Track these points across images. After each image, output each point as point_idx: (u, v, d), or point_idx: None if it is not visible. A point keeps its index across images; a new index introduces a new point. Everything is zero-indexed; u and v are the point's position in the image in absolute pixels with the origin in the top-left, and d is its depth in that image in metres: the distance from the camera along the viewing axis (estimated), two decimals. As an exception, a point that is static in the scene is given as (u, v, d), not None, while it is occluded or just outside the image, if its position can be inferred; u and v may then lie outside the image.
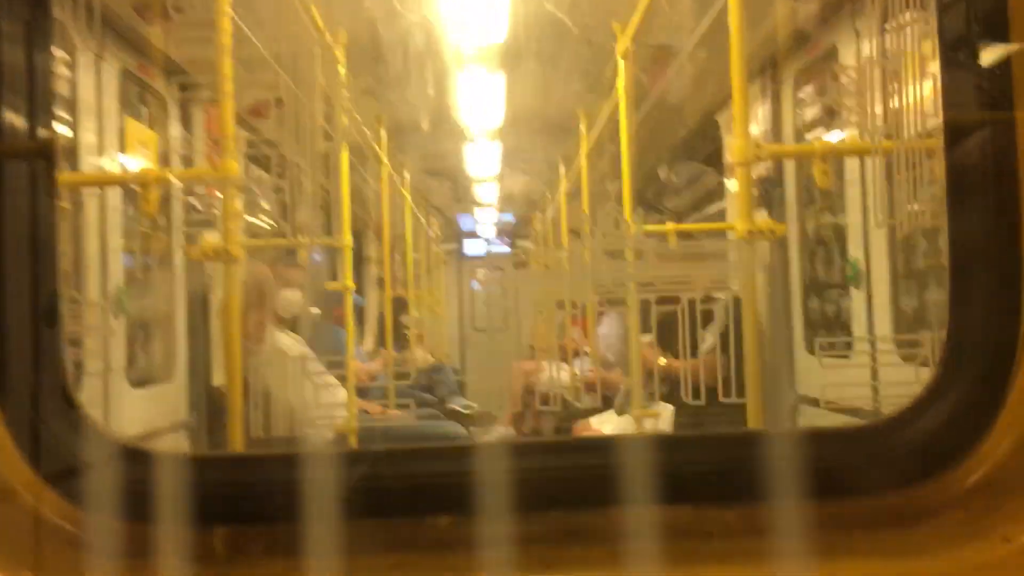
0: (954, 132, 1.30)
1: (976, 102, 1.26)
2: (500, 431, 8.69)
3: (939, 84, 1.32)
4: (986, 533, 1.30)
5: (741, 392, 3.22)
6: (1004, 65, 1.20)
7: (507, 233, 14.06)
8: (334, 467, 1.46)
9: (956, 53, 1.27)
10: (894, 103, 3.22)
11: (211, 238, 3.03)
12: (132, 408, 4.23)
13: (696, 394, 4.69)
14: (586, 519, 1.34)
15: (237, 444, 2.74)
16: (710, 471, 1.35)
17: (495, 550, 1.32)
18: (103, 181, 3.74)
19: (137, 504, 1.36)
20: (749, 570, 1.32)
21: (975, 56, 1.24)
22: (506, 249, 14.00)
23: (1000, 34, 1.21)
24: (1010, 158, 1.20)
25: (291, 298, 5.50)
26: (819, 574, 1.29)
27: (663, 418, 5.04)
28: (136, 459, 1.46)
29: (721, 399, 4.56)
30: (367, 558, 1.36)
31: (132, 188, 3.26)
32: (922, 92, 2.92)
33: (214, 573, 1.36)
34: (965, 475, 1.31)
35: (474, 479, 1.36)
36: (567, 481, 1.37)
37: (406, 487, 1.42)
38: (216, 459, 1.69)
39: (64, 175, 3.67)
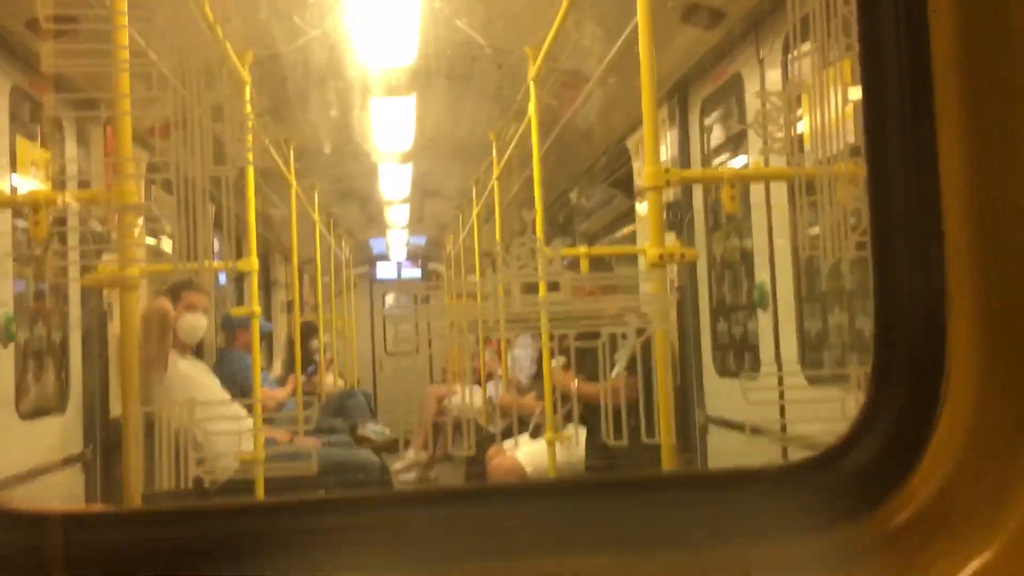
0: (875, 155, 1.29)
1: (895, 125, 1.26)
2: (411, 456, 8.59)
3: (855, 107, 1.33)
4: (916, 575, 1.28)
5: (651, 413, 3.23)
6: (925, 83, 1.20)
7: (419, 256, 13.99)
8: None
9: (876, 76, 1.27)
10: (796, 130, 3.30)
11: (109, 263, 2.90)
12: (22, 441, 4.03)
13: (608, 417, 4.71)
14: (496, 570, 1.27)
15: (132, 480, 2.61)
16: (628, 516, 1.30)
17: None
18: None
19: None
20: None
21: (896, 76, 1.24)
22: (418, 272, 13.91)
23: (921, 54, 1.21)
24: (932, 181, 1.20)
25: (195, 323, 5.33)
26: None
27: (577, 441, 5.04)
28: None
29: (634, 430, 4.60)
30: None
31: (23, 210, 3.10)
32: (824, 118, 2.99)
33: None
34: (892, 514, 1.28)
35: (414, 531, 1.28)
36: (474, 530, 1.30)
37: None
38: (68, 516, 1.53)
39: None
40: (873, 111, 1.28)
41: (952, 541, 1.25)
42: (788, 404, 4.09)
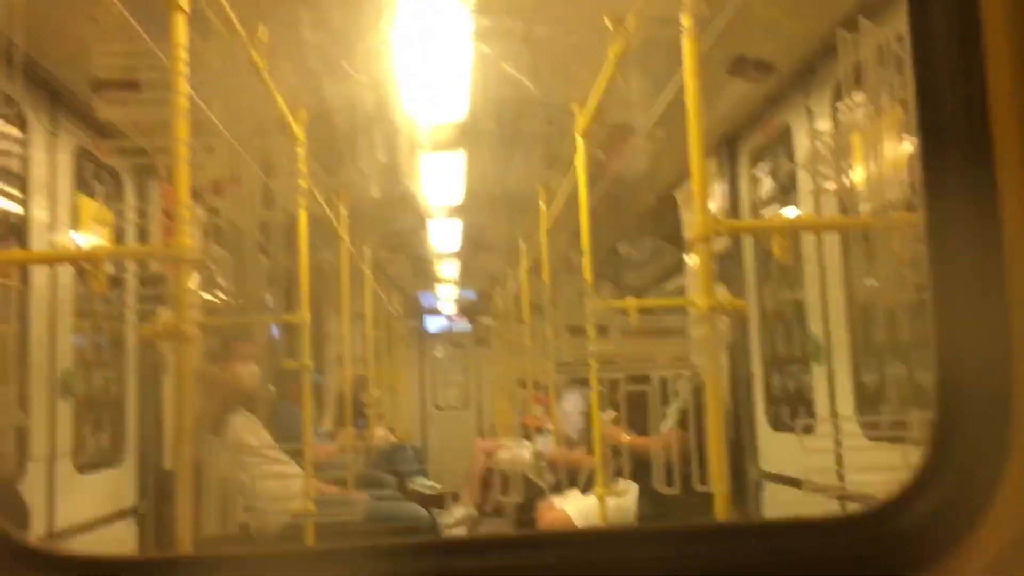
0: (933, 202, 1.27)
1: (954, 172, 1.23)
2: (462, 512, 8.53)
3: (913, 157, 1.31)
4: None
5: (705, 468, 3.17)
6: (984, 135, 1.18)
7: (468, 309, 14.04)
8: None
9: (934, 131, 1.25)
10: (848, 180, 3.27)
11: (165, 316, 2.95)
12: (79, 493, 4.08)
13: (661, 472, 4.64)
14: None
15: (184, 532, 2.63)
16: (680, 566, 1.27)
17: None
18: (51, 259, 3.65)
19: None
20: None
21: (952, 120, 1.22)
22: (467, 326, 13.95)
23: (978, 97, 1.19)
24: (993, 231, 1.17)
25: (248, 374, 5.39)
26: None
27: (628, 497, 4.97)
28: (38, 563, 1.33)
29: (687, 478, 4.52)
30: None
31: (83, 265, 3.19)
32: (877, 169, 2.96)
33: None
34: (957, 570, 1.23)
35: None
36: None
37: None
38: (123, 562, 1.55)
39: (13, 253, 3.59)
40: (930, 157, 1.26)
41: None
42: (846, 459, 4.00)
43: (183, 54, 2.84)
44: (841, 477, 3.68)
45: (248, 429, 5.14)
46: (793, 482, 4.54)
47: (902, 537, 1.24)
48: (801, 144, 4.47)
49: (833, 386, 4.19)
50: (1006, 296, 1.17)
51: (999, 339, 1.18)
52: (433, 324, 14.06)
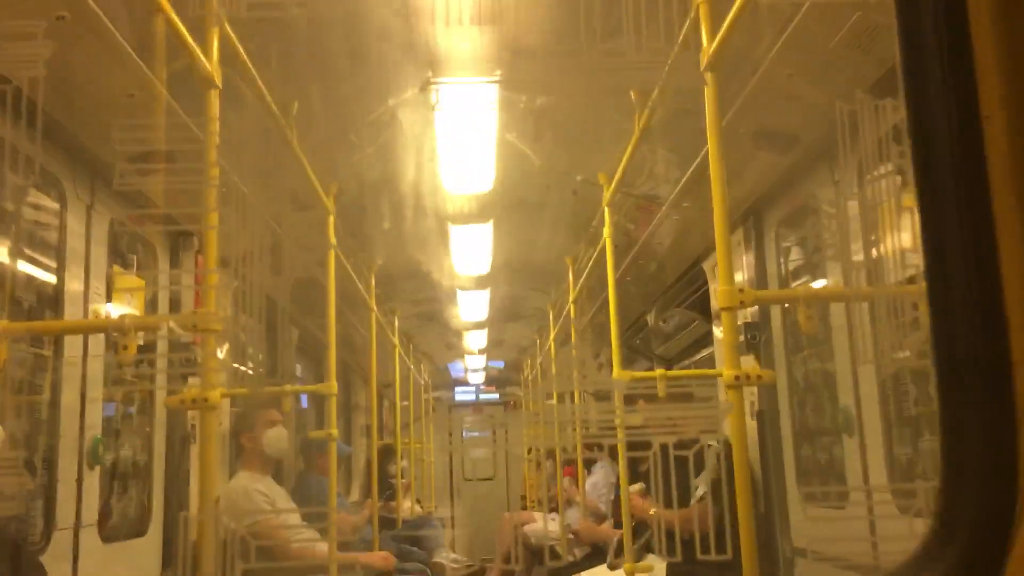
0: (935, 276, 1.27)
1: (957, 247, 1.24)
2: (489, 586, 8.40)
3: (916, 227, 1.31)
4: None
5: (734, 541, 3.11)
6: (984, 202, 1.18)
7: (497, 380, 14.01)
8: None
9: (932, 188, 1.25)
10: (875, 251, 3.26)
11: (193, 386, 2.99)
12: (103, 564, 4.06)
13: (689, 546, 4.55)
14: None
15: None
16: None
17: None
18: (81, 329, 3.71)
19: None
20: None
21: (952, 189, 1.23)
22: (496, 396, 13.90)
23: (977, 174, 1.20)
24: (996, 300, 1.17)
25: (278, 436, 5.38)
26: None
27: (656, 572, 4.87)
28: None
29: (714, 553, 4.43)
30: None
31: (113, 334, 3.24)
32: (902, 240, 2.95)
33: None
34: None
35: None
36: None
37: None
38: None
39: (44, 323, 3.65)
40: (931, 229, 1.27)
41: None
42: (880, 536, 3.91)
43: (215, 127, 2.92)
44: (876, 549, 3.59)
45: (273, 496, 5.12)
46: (827, 559, 4.43)
47: None
48: (827, 215, 4.47)
49: (865, 459, 4.12)
50: (1009, 358, 1.16)
51: (1004, 405, 1.16)
52: (462, 394, 14.02)
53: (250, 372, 4.91)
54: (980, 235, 1.19)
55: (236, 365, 4.17)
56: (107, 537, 4.17)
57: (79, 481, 3.87)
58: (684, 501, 4.75)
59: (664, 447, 4.58)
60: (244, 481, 4.95)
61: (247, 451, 5.15)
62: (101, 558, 4.05)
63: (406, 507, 9.10)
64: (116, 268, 4.46)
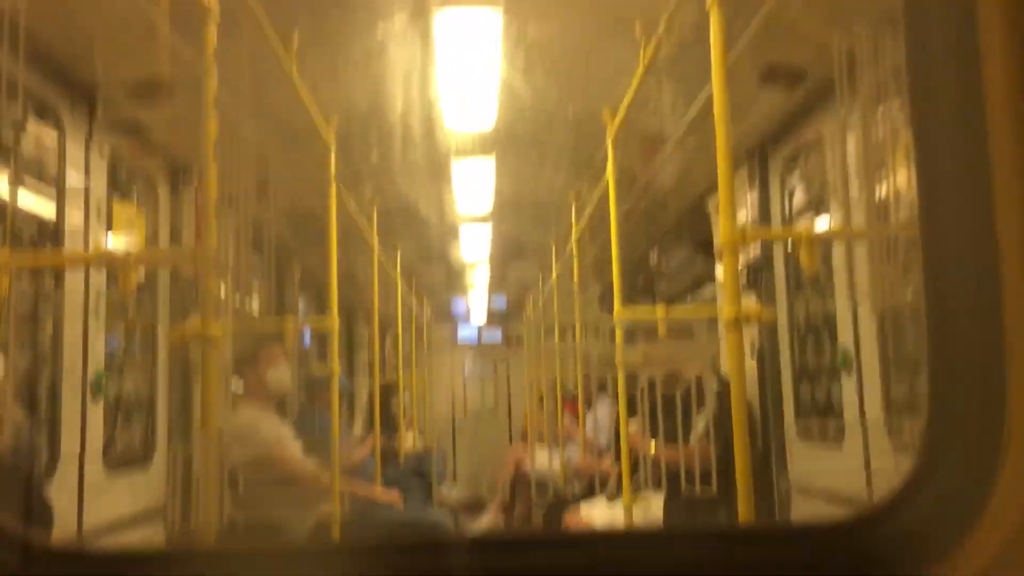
0: (930, 213, 1.26)
1: (952, 182, 1.22)
2: (488, 519, 8.52)
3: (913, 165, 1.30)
4: None
5: (731, 478, 3.14)
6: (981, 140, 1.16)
7: (499, 317, 14.05)
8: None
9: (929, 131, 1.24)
10: (880, 191, 3.23)
11: (194, 319, 2.99)
12: (109, 494, 4.12)
13: (688, 481, 4.61)
14: None
15: (210, 529, 2.65)
16: (670, 572, 1.26)
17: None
18: (80, 261, 3.71)
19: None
20: None
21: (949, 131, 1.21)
22: (498, 333, 13.96)
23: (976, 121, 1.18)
24: (989, 238, 1.16)
25: (280, 374, 5.41)
26: None
27: (653, 506, 4.94)
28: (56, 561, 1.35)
29: (710, 489, 4.49)
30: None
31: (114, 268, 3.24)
32: (907, 178, 2.93)
33: None
34: (954, 570, 1.21)
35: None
36: None
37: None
38: (136, 555, 1.56)
39: (43, 255, 3.65)
40: (926, 167, 1.25)
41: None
42: (875, 471, 3.95)
43: (214, 59, 2.88)
44: (870, 485, 3.64)
45: (278, 431, 5.16)
46: (822, 495, 4.49)
47: (895, 541, 1.22)
48: (833, 153, 4.43)
49: (862, 398, 4.14)
50: (1000, 298, 1.15)
51: (993, 342, 1.16)
52: (464, 331, 14.09)
53: (251, 308, 4.93)
54: (976, 171, 1.17)
55: (236, 301, 4.19)
56: (112, 468, 4.23)
57: (83, 413, 3.91)
58: (684, 439, 4.80)
59: (655, 383, 4.63)
60: (249, 415, 4.98)
61: (251, 386, 5.18)
62: (107, 488, 4.11)
63: (408, 442, 9.20)
64: (116, 202, 4.44)
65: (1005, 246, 1.14)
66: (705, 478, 4.52)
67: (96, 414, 4.05)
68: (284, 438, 5.07)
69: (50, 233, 3.81)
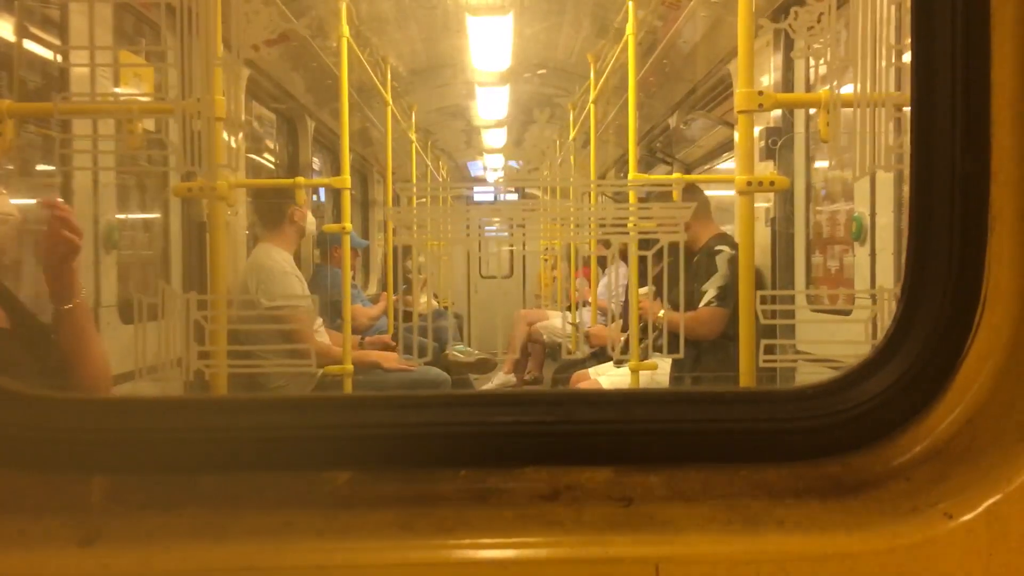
0: (921, 83, 1.22)
1: (945, 63, 1.19)
2: (500, 378, 8.70)
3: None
4: (927, 508, 1.22)
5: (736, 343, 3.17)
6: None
7: (516, 179, 13.95)
8: (221, 414, 1.40)
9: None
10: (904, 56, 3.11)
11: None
12: (123, 344, 4.20)
13: (695, 347, 4.66)
14: (497, 479, 1.27)
15: (219, 383, 2.70)
16: (632, 431, 1.28)
17: (394, 509, 1.26)
18: (82, 111, 3.66)
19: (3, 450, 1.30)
20: (666, 537, 1.25)
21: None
22: (515, 196, 13.89)
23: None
24: (980, 110, 1.13)
25: (309, 215, 5.48)
26: (739, 548, 1.23)
27: (660, 371, 5.01)
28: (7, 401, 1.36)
29: (719, 356, 4.53)
30: (253, 514, 1.29)
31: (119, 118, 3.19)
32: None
33: (88, 525, 1.29)
34: (909, 444, 1.23)
35: (373, 433, 1.30)
36: (479, 438, 1.30)
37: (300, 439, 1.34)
38: (95, 403, 1.59)
39: (49, 105, 3.59)
40: (923, 46, 1.21)
41: (970, 475, 1.21)
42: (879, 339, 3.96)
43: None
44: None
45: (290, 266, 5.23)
46: (825, 362, 4.52)
47: (858, 410, 1.24)
48: (861, 17, 4.25)
49: (874, 268, 4.12)
50: (987, 165, 1.13)
51: (975, 211, 1.14)
52: (480, 194, 14.04)
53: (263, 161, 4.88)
54: (972, 48, 1.14)
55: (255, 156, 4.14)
56: (127, 318, 4.30)
57: (96, 264, 3.95)
58: (693, 305, 4.82)
59: (673, 247, 4.60)
60: (277, 257, 5.05)
61: (276, 225, 5.24)
62: (122, 338, 4.19)
63: (422, 302, 9.30)
64: (123, 52, 4.34)
65: (996, 113, 1.11)
66: (713, 343, 4.56)
67: (110, 266, 4.09)
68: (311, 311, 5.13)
69: (56, 83, 3.75)
